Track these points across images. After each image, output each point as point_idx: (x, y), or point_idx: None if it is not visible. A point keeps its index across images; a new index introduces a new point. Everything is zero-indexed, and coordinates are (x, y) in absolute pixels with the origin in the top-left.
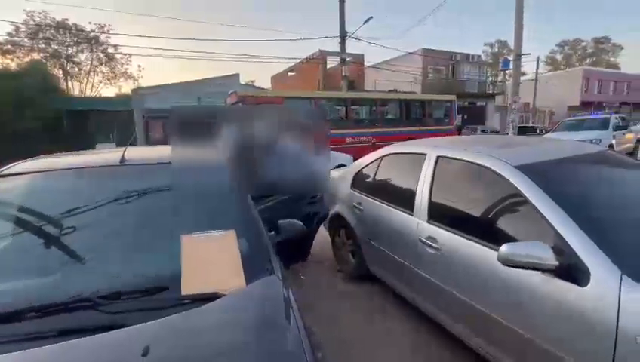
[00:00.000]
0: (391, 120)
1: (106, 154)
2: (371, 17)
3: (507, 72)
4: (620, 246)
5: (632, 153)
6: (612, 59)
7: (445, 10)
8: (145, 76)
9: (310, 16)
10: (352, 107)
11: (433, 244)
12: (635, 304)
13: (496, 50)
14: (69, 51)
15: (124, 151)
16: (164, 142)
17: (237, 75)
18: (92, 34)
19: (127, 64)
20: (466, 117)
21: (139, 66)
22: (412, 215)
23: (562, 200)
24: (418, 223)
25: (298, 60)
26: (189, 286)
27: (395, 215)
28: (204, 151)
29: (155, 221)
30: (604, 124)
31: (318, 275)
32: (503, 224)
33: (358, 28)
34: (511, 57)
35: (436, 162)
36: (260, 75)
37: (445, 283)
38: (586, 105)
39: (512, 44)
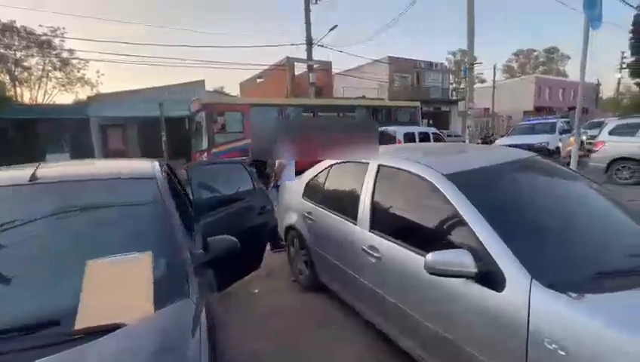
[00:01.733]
0: None
1: (16, 171)
2: (336, 26)
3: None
4: (532, 251)
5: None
6: (561, 68)
7: (410, 20)
8: (104, 82)
9: (279, 22)
10: (321, 114)
11: (374, 254)
12: (542, 308)
13: (459, 58)
14: (18, 55)
15: (37, 167)
16: (124, 152)
17: (202, 82)
18: (43, 37)
19: (84, 69)
20: (431, 122)
21: (97, 72)
22: (356, 224)
23: (484, 208)
24: (361, 232)
25: (266, 67)
26: (88, 318)
27: (341, 224)
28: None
29: (58, 246)
30: (551, 128)
31: (273, 287)
32: (434, 232)
33: (324, 36)
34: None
35: (377, 171)
36: (230, 81)
37: (386, 292)
38: (539, 110)
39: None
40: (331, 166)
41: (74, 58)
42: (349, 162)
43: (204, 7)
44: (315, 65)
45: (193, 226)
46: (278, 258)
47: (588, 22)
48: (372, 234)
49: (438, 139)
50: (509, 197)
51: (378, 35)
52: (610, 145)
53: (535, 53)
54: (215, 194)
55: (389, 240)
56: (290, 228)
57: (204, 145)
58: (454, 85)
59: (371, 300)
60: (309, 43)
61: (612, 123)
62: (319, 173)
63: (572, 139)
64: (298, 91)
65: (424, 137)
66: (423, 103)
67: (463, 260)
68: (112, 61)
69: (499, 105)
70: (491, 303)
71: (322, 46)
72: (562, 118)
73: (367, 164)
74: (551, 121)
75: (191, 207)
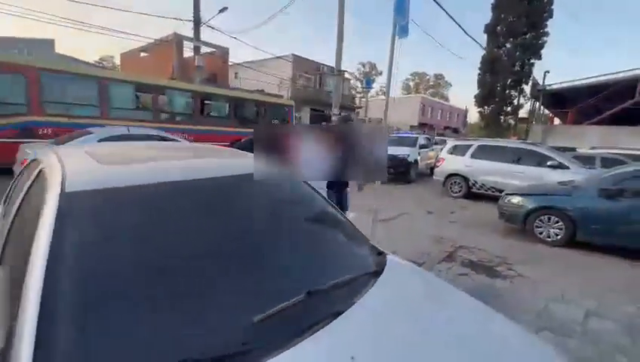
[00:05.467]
0: (217, 118)
1: None
2: (226, 8)
3: (369, 89)
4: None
5: (432, 168)
6: (445, 92)
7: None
8: None
9: None
10: (162, 97)
11: None
12: None
13: (367, 70)
14: None
15: None
16: None
17: (50, 41)
18: None
19: None
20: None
21: None
22: None
23: (79, 253)
24: None
25: (151, 40)
26: None
27: None
28: None
29: None
30: (413, 143)
31: None
32: None
33: (213, 17)
34: (373, 77)
35: (37, 174)
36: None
37: None
38: (422, 125)
39: (380, 67)
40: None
41: None
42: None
43: None
44: (206, 49)
45: None
46: None
47: (395, 31)
48: None
49: None
50: (135, 240)
51: (265, 23)
52: (447, 162)
53: (427, 77)
54: None
55: None
56: None
57: None
58: (362, 94)
59: None
60: (197, 22)
61: (451, 143)
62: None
63: (431, 153)
64: (188, 74)
65: None
66: (324, 106)
67: None
68: None
69: (393, 117)
70: None
71: (211, 27)
72: (439, 135)
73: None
74: (414, 136)
75: None
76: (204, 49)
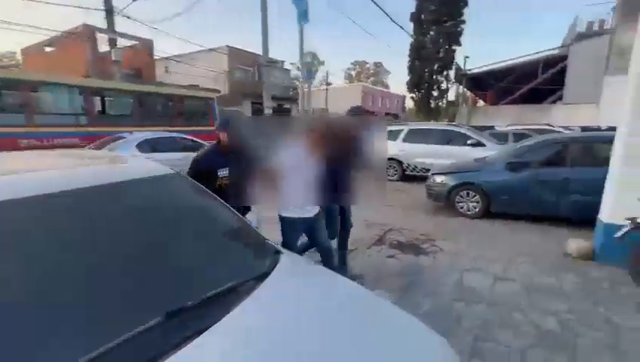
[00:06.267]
0: (119, 117)
1: None
2: None
3: (310, 80)
4: None
5: None
6: (384, 80)
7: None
8: None
9: None
10: (39, 95)
11: None
12: None
13: (309, 59)
14: None
15: None
16: None
17: None
18: None
19: None
20: None
21: None
22: None
23: None
24: None
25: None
26: None
27: None
28: None
29: None
30: None
31: None
32: None
33: (128, 5)
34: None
35: None
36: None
37: None
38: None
39: (322, 56)
40: None
41: None
42: None
43: None
44: (126, 42)
45: None
46: None
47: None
48: None
49: None
50: None
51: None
52: None
53: (367, 65)
54: None
55: None
56: None
57: None
58: (301, 86)
59: None
60: (109, 11)
61: None
62: None
63: None
64: (107, 70)
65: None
66: (263, 98)
67: None
68: None
69: (336, 107)
70: None
71: (128, 17)
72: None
73: None
74: None
75: None
76: (125, 42)
